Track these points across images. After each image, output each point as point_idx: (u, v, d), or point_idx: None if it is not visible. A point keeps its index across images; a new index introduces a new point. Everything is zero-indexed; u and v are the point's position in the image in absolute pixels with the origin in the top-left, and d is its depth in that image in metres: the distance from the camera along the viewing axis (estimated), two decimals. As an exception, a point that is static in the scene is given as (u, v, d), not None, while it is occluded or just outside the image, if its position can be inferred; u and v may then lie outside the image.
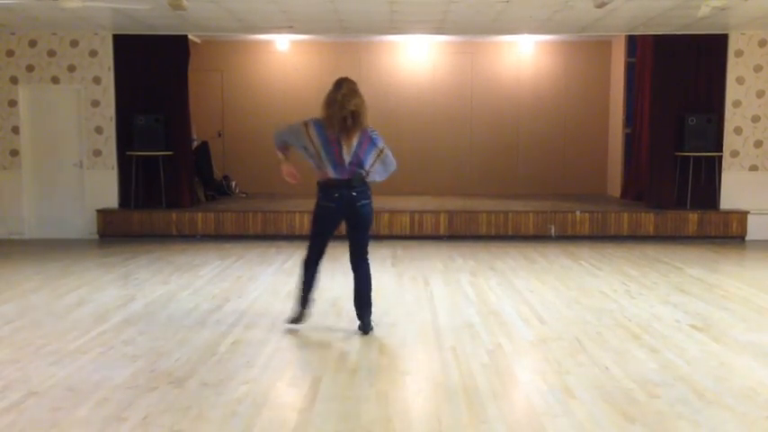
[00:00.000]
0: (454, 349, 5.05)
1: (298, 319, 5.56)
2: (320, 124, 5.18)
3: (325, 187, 5.26)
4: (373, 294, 5.53)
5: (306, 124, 5.22)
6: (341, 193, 5.22)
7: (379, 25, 9.79)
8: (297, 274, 6.89)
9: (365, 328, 5.44)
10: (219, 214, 10.26)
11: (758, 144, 10.41)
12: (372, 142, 5.24)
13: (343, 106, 5.09)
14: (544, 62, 12.74)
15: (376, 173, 5.30)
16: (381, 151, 5.27)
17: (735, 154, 10.41)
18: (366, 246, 5.47)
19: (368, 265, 5.49)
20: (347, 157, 5.16)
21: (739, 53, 10.29)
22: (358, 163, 5.20)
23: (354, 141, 5.16)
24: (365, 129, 5.21)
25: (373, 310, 5.53)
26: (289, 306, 6.12)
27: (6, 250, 9.42)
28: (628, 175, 11.84)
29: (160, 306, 6.34)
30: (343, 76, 5.36)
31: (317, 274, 5.56)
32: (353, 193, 5.21)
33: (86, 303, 6.45)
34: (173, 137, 10.46)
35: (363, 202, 5.26)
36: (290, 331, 5.54)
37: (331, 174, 5.20)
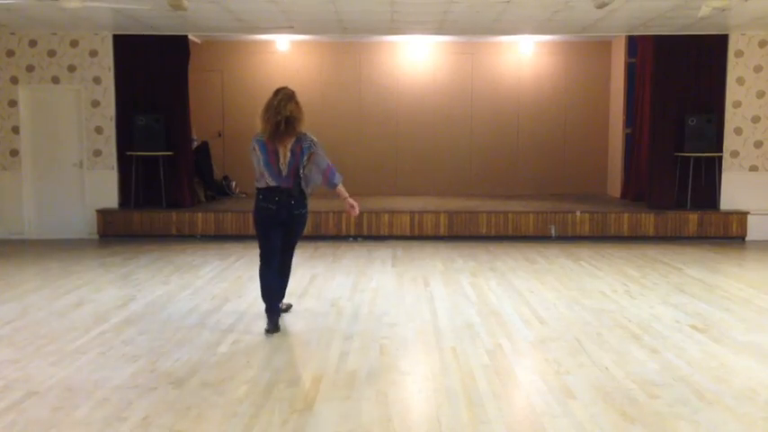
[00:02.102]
0: (454, 350, 5.05)
1: (270, 329, 5.48)
2: (259, 138, 5.41)
3: (266, 191, 5.44)
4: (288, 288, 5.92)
5: (252, 144, 5.47)
6: (280, 199, 5.40)
7: (380, 26, 9.79)
8: (296, 275, 6.92)
9: (270, 325, 5.46)
10: (219, 214, 10.26)
11: (758, 144, 10.40)
12: (303, 149, 5.35)
13: (278, 112, 5.26)
14: (544, 63, 12.74)
15: (311, 177, 5.44)
16: (312, 153, 5.39)
17: (735, 154, 10.41)
18: (293, 247, 5.76)
19: (289, 266, 5.80)
20: (284, 166, 5.34)
21: (739, 53, 10.29)
22: (295, 170, 5.36)
23: (288, 147, 5.32)
24: (299, 135, 5.34)
25: (289, 303, 6.05)
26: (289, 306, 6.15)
27: (6, 250, 9.42)
28: (628, 175, 11.84)
29: (160, 306, 6.34)
30: (283, 86, 5.53)
31: (275, 281, 5.60)
32: (292, 201, 5.41)
33: (86, 303, 6.45)
34: (173, 137, 10.46)
35: (301, 210, 5.48)
36: (290, 331, 5.55)
37: (271, 182, 5.39)
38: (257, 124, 5.42)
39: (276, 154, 5.34)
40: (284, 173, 5.35)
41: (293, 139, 5.32)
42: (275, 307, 5.56)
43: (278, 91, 5.41)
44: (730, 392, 4.22)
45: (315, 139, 5.45)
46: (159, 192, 10.52)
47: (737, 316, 6.03)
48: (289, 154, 5.32)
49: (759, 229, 10.24)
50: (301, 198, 5.46)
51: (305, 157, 5.37)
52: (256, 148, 5.42)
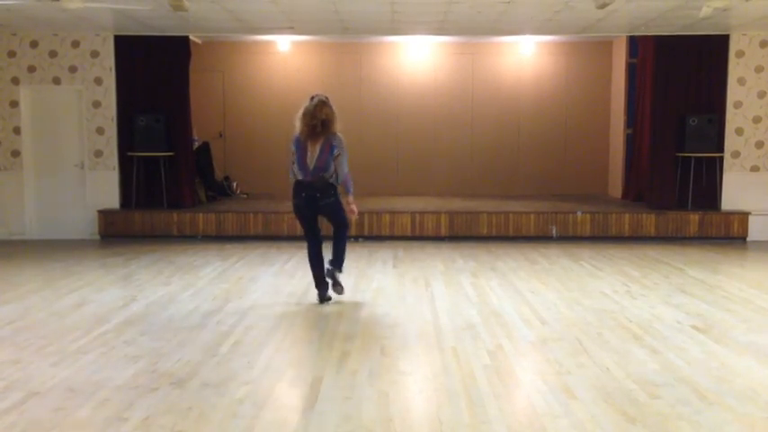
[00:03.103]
0: (455, 350, 5.05)
1: (321, 298, 6.36)
2: (297, 137, 6.14)
3: (295, 186, 6.18)
4: (346, 262, 6.50)
5: (292, 142, 6.18)
6: (306, 193, 6.12)
7: (381, 26, 9.79)
8: (296, 276, 6.94)
9: (330, 277, 6.33)
10: (220, 215, 10.26)
11: (759, 145, 10.40)
12: (333, 146, 6.04)
13: (314, 116, 6.02)
14: (545, 63, 12.74)
15: (337, 175, 6.11)
16: (339, 155, 6.07)
17: (736, 155, 10.41)
18: (341, 223, 6.33)
19: (343, 234, 6.40)
20: (311, 162, 6.05)
21: (740, 54, 10.29)
22: (321, 167, 6.05)
23: (318, 147, 6.03)
24: (330, 136, 6.04)
25: (342, 277, 6.47)
26: (290, 306, 6.18)
27: (8, 251, 9.43)
28: (629, 175, 11.84)
29: (161, 307, 6.34)
30: (318, 92, 6.34)
31: (320, 257, 6.38)
32: (317, 194, 6.10)
33: (87, 304, 6.46)
34: (174, 137, 10.47)
35: (326, 201, 6.13)
36: (291, 331, 5.55)
37: (299, 176, 6.11)
38: (296, 126, 6.10)
39: (307, 151, 6.04)
40: (311, 167, 6.04)
41: (324, 139, 6.02)
42: (322, 279, 6.34)
43: (312, 98, 6.13)
44: (731, 393, 4.22)
45: (344, 141, 6.10)
46: (160, 192, 10.53)
47: (739, 316, 6.03)
48: (318, 151, 6.01)
49: (760, 229, 10.23)
50: (327, 189, 6.09)
51: (333, 156, 6.04)
52: (293, 146, 6.14)
